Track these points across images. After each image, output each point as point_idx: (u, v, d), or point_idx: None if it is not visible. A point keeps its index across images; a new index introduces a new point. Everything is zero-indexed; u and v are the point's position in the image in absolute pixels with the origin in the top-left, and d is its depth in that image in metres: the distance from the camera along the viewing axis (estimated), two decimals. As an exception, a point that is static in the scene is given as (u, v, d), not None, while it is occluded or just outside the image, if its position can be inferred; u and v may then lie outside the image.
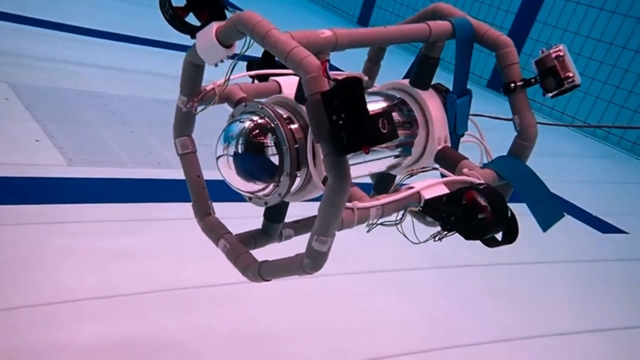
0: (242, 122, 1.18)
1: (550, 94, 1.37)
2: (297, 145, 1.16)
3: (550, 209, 1.37)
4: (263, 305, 2.39)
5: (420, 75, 1.42)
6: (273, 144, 1.16)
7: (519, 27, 7.27)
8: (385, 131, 0.95)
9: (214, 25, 1.18)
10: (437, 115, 1.40)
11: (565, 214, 1.39)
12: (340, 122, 0.95)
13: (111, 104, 3.06)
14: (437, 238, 1.72)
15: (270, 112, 1.16)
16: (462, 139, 1.54)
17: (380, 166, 1.42)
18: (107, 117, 2.88)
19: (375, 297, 2.67)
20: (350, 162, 1.31)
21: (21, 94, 3.01)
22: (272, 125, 1.16)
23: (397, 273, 2.81)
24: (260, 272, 1.25)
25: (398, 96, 1.43)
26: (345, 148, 0.95)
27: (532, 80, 1.37)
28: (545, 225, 1.36)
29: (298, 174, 1.18)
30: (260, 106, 1.18)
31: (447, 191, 1.24)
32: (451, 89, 1.43)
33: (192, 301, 2.29)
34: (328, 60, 0.98)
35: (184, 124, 1.36)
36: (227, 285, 2.31)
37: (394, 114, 1.37)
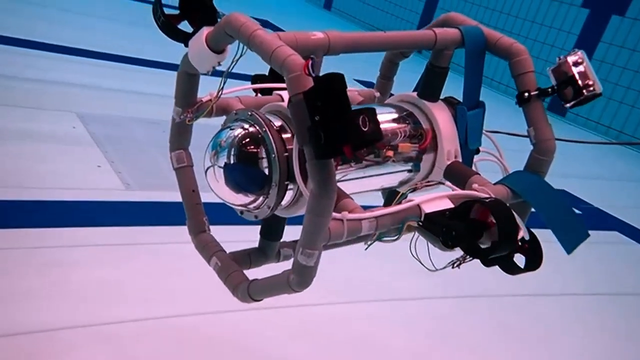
0: (232, 129, 1.13)
1: (569, 104, 1.26)
2: (287, 154, 1.09)
3: (574, 228, 1.25)
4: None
5: (429, 86, 1.34)
6: (263, 153, 1.09)
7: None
8: (366, 129, 0.87)
9: (204, 31, 1.14)
10: (446, 128, 1.32)
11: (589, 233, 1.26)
12: (320, 121, 0.88)
13: (168, 131, 3.27)
14: (455, 265, 1.62)
15: (260, 119, 1.11)
16: (478, 156, 1.44)
17: (390, 181, 1.34)
18: (165, 143, 3.08)
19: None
20: (357, 175, 1.25)
21: (87, 122, 3.29)
22: (261, 132, 1.10)
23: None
24: (250, 291, 1.17)
25: (406, 109, 1.35)
26: (323, 148, 0.88)
27: (549, 89, 1.27)
28: (569, 246, 1.24)
29: (290, 186, 1.11)
30: (250, 113, 1.13)
31: (451, 206, 1.14)
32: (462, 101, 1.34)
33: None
34: (313, 59, 0.92)
35: (179, 136, 1.31)
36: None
37: (401, 126, 1.29)
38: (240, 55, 1.11)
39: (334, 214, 1.03)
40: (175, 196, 1.32)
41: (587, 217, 4.12)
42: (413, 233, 1.58)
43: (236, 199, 1.15)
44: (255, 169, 1.10)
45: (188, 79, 1.24)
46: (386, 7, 9.31)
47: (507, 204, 1.13)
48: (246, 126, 1.12)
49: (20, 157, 3.07)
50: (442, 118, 1.32)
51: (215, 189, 1.15)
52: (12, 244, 2.36)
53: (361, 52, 1.17)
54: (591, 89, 1.23)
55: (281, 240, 1.33)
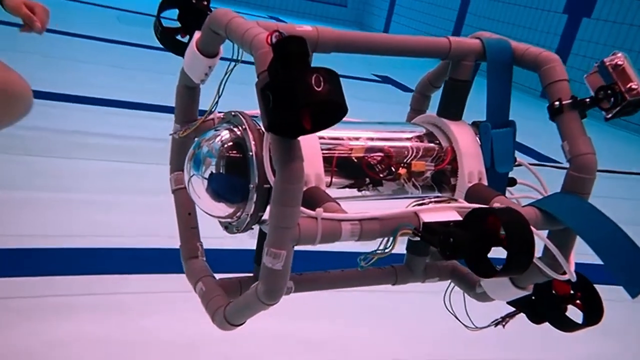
0: (216, 130, 1.04)
1: (610, 114, 1.07)
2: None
3: (635, 261, 1.00)
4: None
5: (448, 102, 1.21)
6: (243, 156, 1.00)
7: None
8: (320, 89, 0.75)
9: (196, 35, 1.10)
10: (467, 146, 1.16)
11: None
12: (268, 83, 0.78)
13: None
14: (498, 323, 1.38)
15: (242, 118, 1.02)
16: (517, 191, 1.26)
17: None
18: None
19: None
20: (372, 195, 1.11)
21: None
22: (240, 130, 1.00)
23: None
24: (226, 315, 1.03)
25: (426, 128, 1.22)
26: (272, 114, 0.77)
27: (587, 100, 1.09)
28: (633, 288, 0.98)
29: None
30: (233, 113, 1.05)
31: (458, 218, 0.97)
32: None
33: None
34: (279, 32, 0.83)
35: (179, 156, 1.24)
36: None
37: (414, 144, 1.16)
38: (236, 61, 1.05)
39: (308, 211, 0.90)
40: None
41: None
42: (448, 284, 1.38)
43: (218, 210, 1.04)
44: (235, 173, 1.00)
45: (186, 93, 1.19)
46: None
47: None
48: (227, 127, 1.03)
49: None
50: (463, 136, 1.17)
51: (195, 197, 1.06)
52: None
53: (355, 52, 1.07)
54: (635, 92, 1.04)
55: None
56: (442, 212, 0.97)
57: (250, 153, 0.97)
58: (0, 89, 1.64)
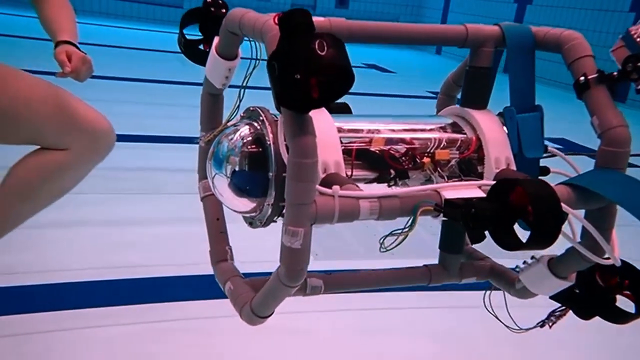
0: (235, 126, 1.06)
1: (639, 86, 1.03)
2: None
3: None
4: None
5: (471, 91, 1.19)
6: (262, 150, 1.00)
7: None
8: (323, 54, 0.75)
9: (215, 40, 1.14)
10: (492, 133, 1.13)
11: None
12: (274, 53, 0.79)
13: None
14: (544, 324, 1.31)
15: (259, 111, 1.03)
16: (550, 180, 1.21)
17: None
18: (360, 230, 3.32)
19: None
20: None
21: None
22: (259, 123, 1.02)
23: None
24: (253, 308, 1.01)
25: (449, 120, 1.20)
26: (279, 82, 0.78)
27: (614, 74, 1.06)
28: None
29: None
30: (252, 109, 1.06)
31: (482, 195, 0.93)
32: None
33: None
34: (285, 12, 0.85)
35: (205, 164, 1.27)
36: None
37: (438, 134, 1.14)
38: (256, 62, 1.08)
39: (324, 189, 0.89)
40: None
41: None
42: (488, 285, 1.32)
43: (242, 205, 1.05)
44: (255, 166, 1.00)
45: (210, 100, 1.22)
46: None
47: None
48: (246, 122, 1.05)
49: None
50: (487, 123, 1.14)
51: (220, 195, 1.06)
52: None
53: (369, 42, 1.07)
54: (662, 59, 1.00)
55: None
56: (465, 189, 0.94)
57: (268, 142, 0.98)
58: (86, 129, 1.72)
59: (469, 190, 0.94)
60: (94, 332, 1.98)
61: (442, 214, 0.91)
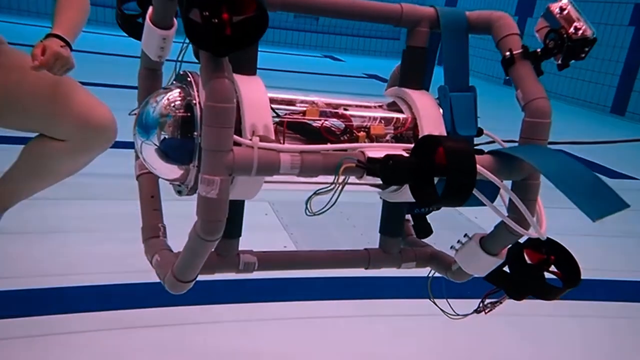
0: (163, 90, 1.04)
1: (561, 60, 1.06)
2: None
3: (602, 195, 0.93)
4: None
5: (408, 71, 1.21)
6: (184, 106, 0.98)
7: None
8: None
9: (150, 9, 1.13)
10: (427, 111, 1.14)
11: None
12: None
13: (345, 211, 3.41)
14: (480, 310, 1.31)
15: (189, 74, 1.03)
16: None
17: None
18: (342, 222, 3.21)
19: None
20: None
21: (277, 209, 3.47)
22: (185, 83, 1.00)
23: None
24: (174, 271, 0.99)
25: (390, 100, 1.22)
26: (187, 18, 0.77)
27: (538, 51, 1.09)
28: (595, 212, 0.90)
29: None
30: (182, 72, 1.05)
31: (405, 154, 0.94)
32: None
33: None
34: None
35: None
36: None
37: (375, 113, 1.15)
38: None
39: (243, 140, 0.88)
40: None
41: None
42: (429, 271, 1.32)
43: (170, 172, 1.03)
44: (181, 130, 0.98)
45: (147, 75, 1.21)
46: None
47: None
48: (176, 85, 1.04)
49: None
50: (422, 102, 1.16)
51: (147, 163, 1.04)
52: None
53: (302, 12, 1.09)
54: (581, 32, 1.03)
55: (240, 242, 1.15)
56: (389, 150, 0.95)
57: (194, 102, 0.97)
58: (80, 124, 1.80)
59: (393, 150, 0.95)
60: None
61: (365, 172, 0.91)
